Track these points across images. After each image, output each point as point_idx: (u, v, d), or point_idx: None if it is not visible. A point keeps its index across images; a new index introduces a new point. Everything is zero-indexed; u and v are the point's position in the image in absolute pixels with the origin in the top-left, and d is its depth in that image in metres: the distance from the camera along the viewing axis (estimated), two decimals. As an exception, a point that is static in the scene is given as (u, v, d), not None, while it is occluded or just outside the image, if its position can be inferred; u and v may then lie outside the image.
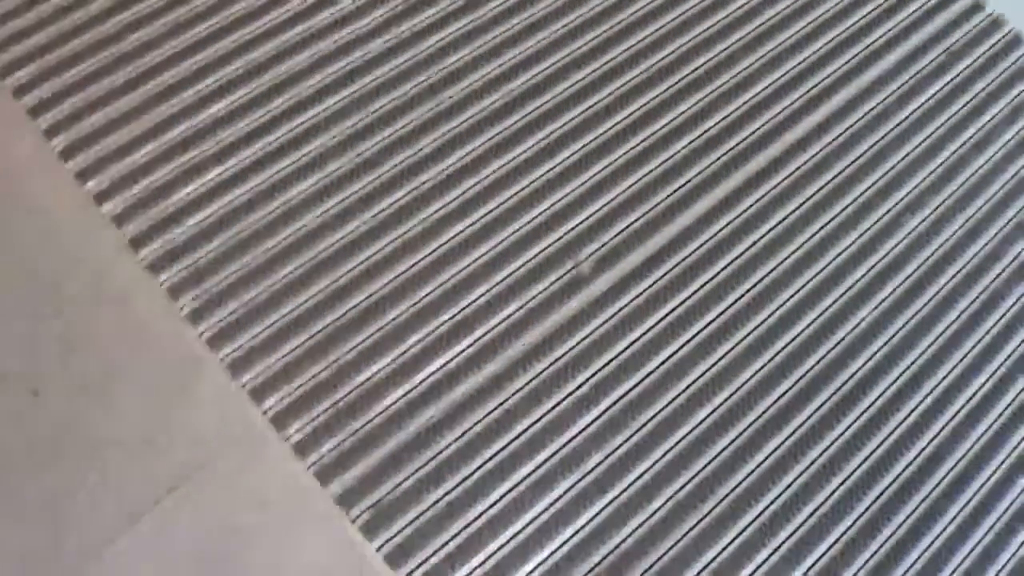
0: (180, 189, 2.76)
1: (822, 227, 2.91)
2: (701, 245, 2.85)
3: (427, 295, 2.70)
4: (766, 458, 2.61)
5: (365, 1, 3.10)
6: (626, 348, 2.69)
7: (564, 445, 2.57)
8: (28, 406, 2.48)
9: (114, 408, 2.50)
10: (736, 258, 2.84)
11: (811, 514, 2.57)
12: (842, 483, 2.60)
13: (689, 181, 2.92)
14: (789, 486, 2.58)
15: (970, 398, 2.74)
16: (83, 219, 2.71)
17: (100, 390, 2.51)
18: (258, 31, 3.01)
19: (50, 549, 2.34)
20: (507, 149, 2.91)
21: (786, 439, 2.64)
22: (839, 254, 2.88)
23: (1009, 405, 2.74)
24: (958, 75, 3.21)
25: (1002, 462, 2.68)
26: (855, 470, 2.63)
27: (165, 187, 2.76)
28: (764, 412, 2.65)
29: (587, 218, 2.84)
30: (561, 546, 2.47)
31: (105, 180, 2.76)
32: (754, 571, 2.50)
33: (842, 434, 2.66)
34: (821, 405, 2.68)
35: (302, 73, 2.97)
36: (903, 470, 2.64)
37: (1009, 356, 2.80)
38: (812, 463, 2.62)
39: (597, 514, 2.51)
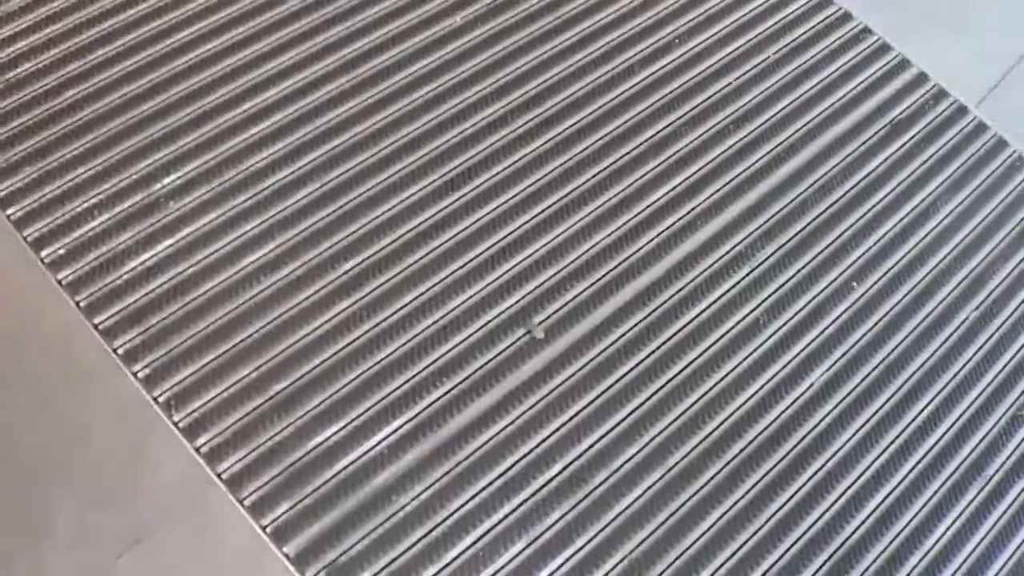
0: (135, 257, 2.95)
1: (772, 293, 3.14)
2: (652, 312, 3.07)
3: (382, 359, 2.88)
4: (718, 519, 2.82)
5: (316, 77, 3.34)
6: (578, 412, 2.89)
7: (518, 506, 2.74)
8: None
9: (72, 468, 2.65)
10: (685, 326, 3.07)
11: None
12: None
13: (640, 249, 3.15)
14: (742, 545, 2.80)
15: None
16: (38, 287, 2.90)
17: (57, 452, 2.68)
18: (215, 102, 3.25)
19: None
20: (461, 218, 3.14)
21: (731, 508, 2.85)
22: (788, 320, 3.11)
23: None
24: (902, 146, 3.48)
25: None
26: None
27: (119, 257, 2.95)
28: (712, 478, 2.87)
29: (539, 285, 3.05)
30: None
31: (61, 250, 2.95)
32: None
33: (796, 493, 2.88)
34: (767, 472, 2.91)
35: (251, 149, 3.18)
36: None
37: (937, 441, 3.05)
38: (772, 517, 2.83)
39: (556, 570, 2.70)
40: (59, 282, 2.86)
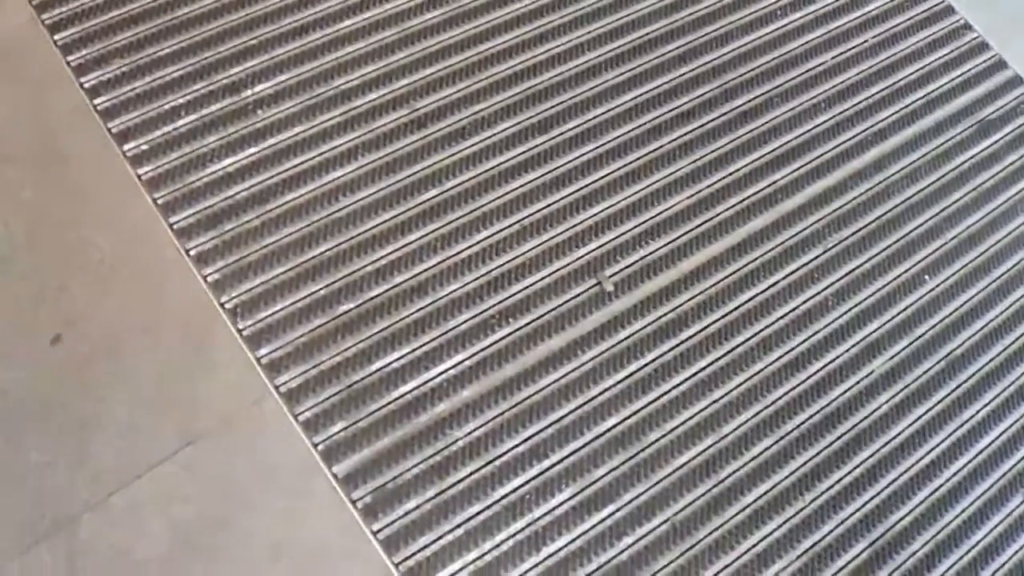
0: (217, 161, 2.95)
1: (844, 276, 3.14)
2: (722, 280, 3.07)
3: (452, 292, 2.89)
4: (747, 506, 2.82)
5: (416, 4, 3.33)
6: (639, 369, 2.89)
7: (569, 455, 2.75)
8: (48, 352, 2.67)
9: (131, 363, 2.67)
10: (753, 298, 3.07)
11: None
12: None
13: (718, 215, 3.15)
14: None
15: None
16: (119, 183, 2.90)
17: (119, 344, 2.69)
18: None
19: (67, 477, 2.52)
20: (545, 161, 3.13)
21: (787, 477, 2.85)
22: (857, 304, 3.12)
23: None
24: (990, 146, 3.46)
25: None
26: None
27: (202, 159, 2.95)
28: (750, 461, 2.88)
29: (615, 239, 3.05)
30: (556, 552, 2.65)
31: (144, 144, 2.95)
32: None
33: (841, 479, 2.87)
34: (814, 456, 2.91)
35: (345, 67, 3.18)
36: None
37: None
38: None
39: (599, 523, 2.70)
40: (139, 177, 2.87)
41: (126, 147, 2.91)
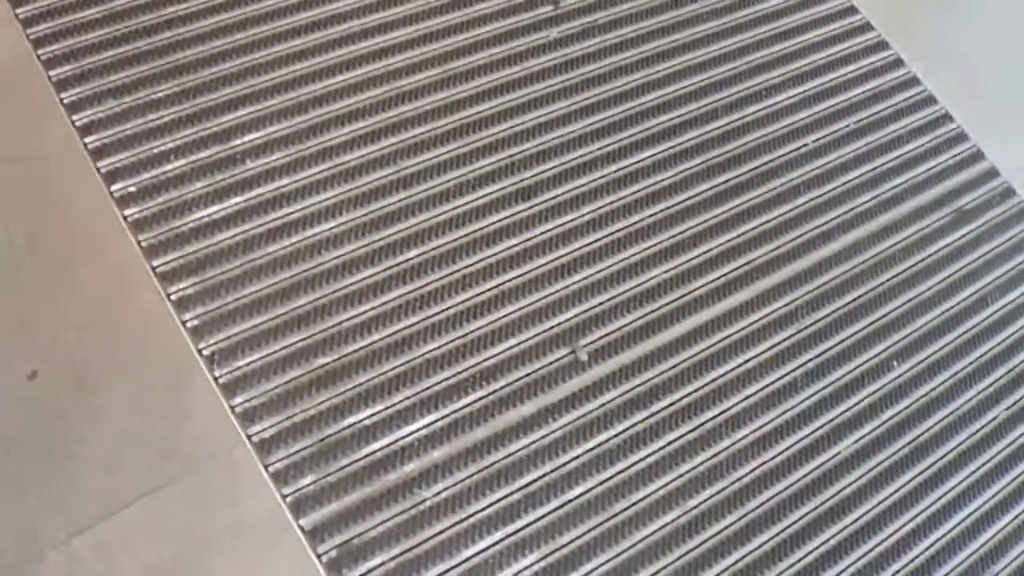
0: (204, 208, 2.97)
1: (814, 357, 3.18)
2: (695, 355, 3.10)
3: (428, 352, 2.91)
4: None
5: (410, 64, 3.36)
6: (609, 439, 2.92)
7: (536, 520, 2.77)
8: (23, 388, 2.67)
9: (106, 401, 2.68)
10: (725, 374, 3.10)
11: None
12: None
13: (694, 291, 3.18)
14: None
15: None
16: (105, 223, 2.92)
17: (95, 384, 2.70)
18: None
19: (34, 514, 2.52)
20: (527, 228, 3.16)
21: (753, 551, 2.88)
22: (826, 386, 3.15)
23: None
24: (964, 236, 3.52)
25: None
26: None
27: (188, 204, 2.97)
28: (726, 528, 2.90)
29: (591, 308, 3.08)
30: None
31: (132, 186, 2.98)
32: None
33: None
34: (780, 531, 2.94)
35: (335, 122, 3.21)
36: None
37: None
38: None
39: (563, 589, 2.70)
40: (125, 218, 2.89)
41: (114, 187, 2.93)
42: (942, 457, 3.13)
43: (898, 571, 2.94)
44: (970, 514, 3.07)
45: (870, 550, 2.94)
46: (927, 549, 2.98)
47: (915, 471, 3.08)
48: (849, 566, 2.91)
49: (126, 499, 2.58)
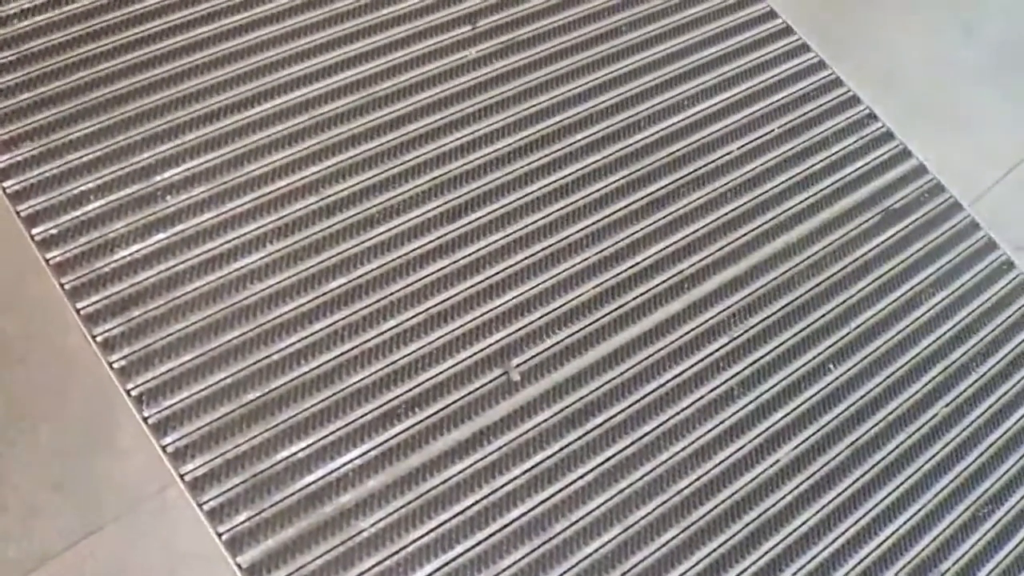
0: (126, 247, 2.97)
1: (748, 366, 3.21)
2: (628, 369, 3.12)
3: (358, 381, 2.92)
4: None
5: (327, 91, 3.38)
6: (545, 459, 2.93)
7: (474, 546, 2.78)
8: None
9: (35, 449, 2.68)
10: (659, 387, 3.12)
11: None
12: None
13: (624, 305, 3.20)
14: None
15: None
16: (27, 266, 2.92)
17: (21, 429, 2.70)
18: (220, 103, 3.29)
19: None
20: (453, 250, 3.18)
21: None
22: (761, 394, 3.18)
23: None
24: (893, 236, 3.56)
25: None
26: None
27: (111, 244, 2.97)
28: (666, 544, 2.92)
29: (520, 328, 3.10)
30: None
31: (53, 228, 2.98)
32: None
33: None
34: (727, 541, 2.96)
35: (255, 154, 3.22)
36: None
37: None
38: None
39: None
40: (47, 261, 2.88)
41: (35, 231, 2.93)
42: (884, 458, 3.16)
43: (848, 573, 2.97)
44: (915, 514, 3.10)
45: (815, 556, 2.97)
46: (872, 552, 3.01)
47: (857, 474, 3.11)
48: (795, 573, 2.94)
49: (59, 546, 2.58)
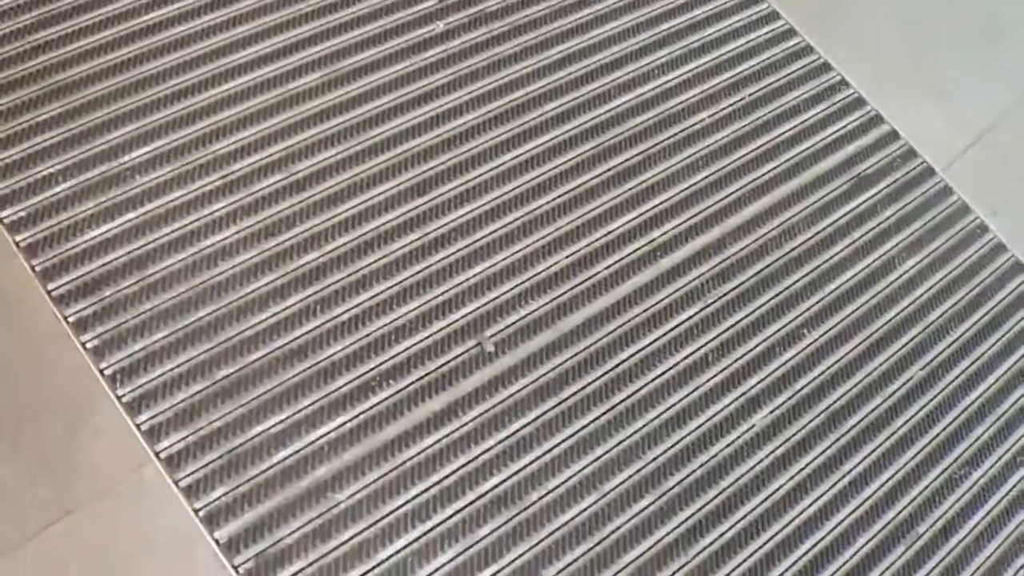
0: (95, 227, 3.01)
1: (723, 332, 3.25)
2: (602, 338, 3.16)
3: (331, 355, 2.95)
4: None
5: (292, 68, 3.41)
6: (520, 429, 2.98)
7: (451, 516, 2.82)
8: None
9: (9, 431, 2.71)
10: (633, 355, 3.17)
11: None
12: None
13: (597, 274, 3.25)
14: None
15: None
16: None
17: (-5, 414, 2.72)
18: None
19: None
20: (423, 223, 3.21)
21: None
22: (736, 360, 3.22)
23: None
24: (866, 201, 3.61)
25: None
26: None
27: (80, 225, 3.01)
28: (642, 511, 2.97)
29: (494, 299, 3.14)
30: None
31: (21, 211, 3.01)
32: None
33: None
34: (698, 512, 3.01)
35: (222, 131, 3.25)
36: None
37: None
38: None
39: (481, 584, 2.75)
40: (16, 244, 2.91)
41: (3, 214, 2.96)
42: (860, 422, 3.20)
43: (822, 538, 3.01)
44: (891, 477, 3.14)
45: (791, 520, 3.00)
46: (849, 515, 3.05)
47: (832, 437, 3.15)
48: (772, 537, 2.98)
49: (35, 527, 2.61)
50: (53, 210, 2.98)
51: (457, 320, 3.06)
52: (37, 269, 2.89)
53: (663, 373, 3.09)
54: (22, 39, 3.25)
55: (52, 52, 3.24)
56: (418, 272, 3.09)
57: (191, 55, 3.32)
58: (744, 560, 2.92)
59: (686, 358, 3.14)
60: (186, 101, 3.23)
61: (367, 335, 2.98)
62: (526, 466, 2.92)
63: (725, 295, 3.25)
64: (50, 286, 2.88)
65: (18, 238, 2.92)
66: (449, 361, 3.00)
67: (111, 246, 2.96)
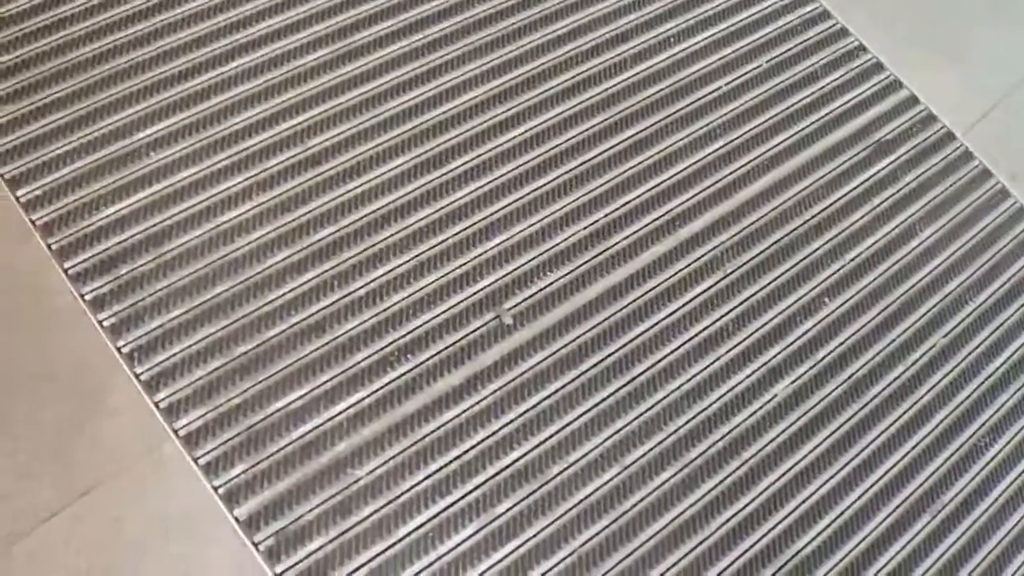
0: (110, 205, 3.02)
1: (742, 302, 3.25)
2: (621, 309, 3.17)
3: (349, 330, 2.96)
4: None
5: (304, 43, 3.42)
6: (540, 402, 2.98)
7: (472, 491, 2.83)
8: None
9: (27, 409, 2.73)
10: (653, 326, 3.17)
11: None
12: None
13: (614, 245, 3.25)
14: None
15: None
16: (12, 230, 2.96)
17: (14, 392, 2.75)
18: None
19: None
20: (439, 196, 3.22)
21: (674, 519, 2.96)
22: (756, 330, 3.23)
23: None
24: (886, 167, 3.60)
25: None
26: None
27: (95, 203, 3.02)
28: (657, 489, 2.98)
29: (512, 271, 3.15)
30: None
31: (37, 190, 3.03)
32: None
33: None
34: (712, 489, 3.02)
35: (236, 107, 3.26)
36: None
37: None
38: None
39: (504, 558, 2.79)
40: (32, 223, 2.92)
41: (19, 192, 2.97)
42: (882, 391, 3.20)
43: (845, 509, 3.02)
44: (915, 446, 3.15)
45: (815, 491, 3.01)
46: (873, 485, 3.06)
47: (855, 407, 3.15)
48: (795, 509, 2.99)
49: (56, 506, 2.63)
50: (68, 189, 3.00)
51: (475, 293, 3.07)
52: (53, 248, 2.90)
53: (683, 344, 3.09)
54: (31, 19, 3.26)
55: (62, 31, 3.25)
56: (435, 246, 3.10)
57: (203, 31, 3.33)
58: (768, 532, 2.93)
59: (706, 329, 3.14)
60: (198, 78, 3.24)
61: (385, 309, 2.99)
62: (546, 440, 2.92)
63: (744, 264, 3.25)
64: (67, 264, 2.89)
65: (34, 217, 2.93)
66: (468, 335, 3.01)
67: (127, 224, 2.97)
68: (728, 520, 2.92)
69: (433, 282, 3.04)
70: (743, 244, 3.30)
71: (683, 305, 3.16)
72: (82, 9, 3.29)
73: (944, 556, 3.02)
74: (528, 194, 3.23)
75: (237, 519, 2.69)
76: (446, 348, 2.97)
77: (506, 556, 2.78)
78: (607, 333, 3.07)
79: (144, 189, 3.03)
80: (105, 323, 2.83)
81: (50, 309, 2.84)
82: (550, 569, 2.78)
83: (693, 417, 3.02)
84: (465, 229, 3.13)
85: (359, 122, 3.24)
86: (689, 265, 3.22)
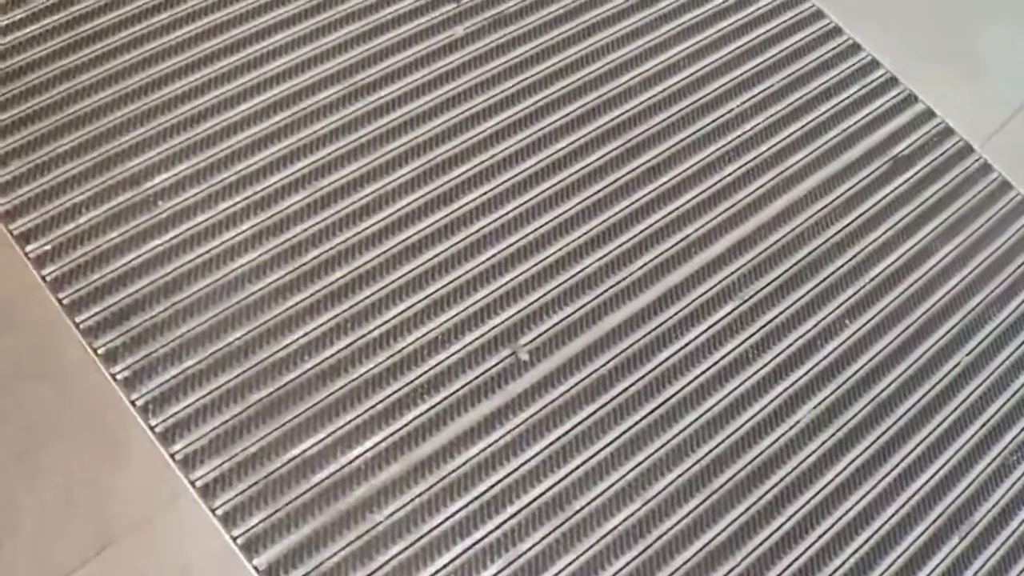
0: (121, 256, 3.02)
1: (762, 327, 3.23)
2: (638, 340, 3.14)
3: (365, 373, 2.95)
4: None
5: (312, 83, 3.42)
6: (560, 437, 2.97)
7: (494, 529, 2.81)
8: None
9: (41, 467, 2.72)
10: (672, 356, 3.15)
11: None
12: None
13: (629, 276, 3.23)
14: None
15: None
16: (23, 285, 2.96)
17: (28, 449, 2.74)
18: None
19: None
20: (450, 234, 3.20)
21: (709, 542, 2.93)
22: (777, 355, 3.20)
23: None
24: (903, 183, 3.58)
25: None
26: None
27: (105, 255, 3.01)
28: (680, 521, 2.95)
29: (526, 307, 3.13)
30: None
31: (47, 244, 3.02)
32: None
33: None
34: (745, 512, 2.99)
35: (245, 151, 3.26)
36: None
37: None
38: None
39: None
40: (43, 278, 2.93)
41: (28, 248, 2.96)
42: (908, 411, 3.17)
43: (875, 531, 2.98)
44: (944, 465, 3.11)
45: (844, 514, 2.98)
46: (903, 507, 3.03)
47: (881, 429, 3.12)
48: (824, 533, 2.96)
49: (73, 563, 2.62)
50: (78, 241, 3.00)
51: (490, 330, 3.06)
52: (64, 302, 2.90)
53: (703, 373, 3.07)
54: (38, 71, 3.27)
55: (68, 82, 3.26)
56: (448, 283, 3.09)
57: (208, 76, 3.34)
58: (798, 557, 2.91)
59: (727, 355, 3.12)
60: (206, 123, 3.24)
61: (400, 350, 2.98)
62: (569, 474, 2.90)
63: (762, 289, 3.24)
64: (78, 318, 2.89)
65: (44, 272, 2.94)
66: (484, 372, 3.00)
67: (138, 274, 2.97)
68: (757, 547, 2.90)
69: (446, 321, 3.05)
70: (761, 268, 3.28)
71: (702, 332, 3.13)
72: (85, 61, 3.33)
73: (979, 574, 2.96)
74: (540, 227, 3.22)
75: (257, 568, 2.68)
76: (463, 387, 2.96)
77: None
78: (625, 365, 3.05)
79: (154, 239, 3.03)
80: (119, 376, 2.83)
81: (63, 363, 2.84)
82: (577, 605, 2.72)
83: (718, 444, 3.00)
84: (477, 265, 3.12)
85: (367, 162, 3.25)
86: (707, 291, 3.20)
